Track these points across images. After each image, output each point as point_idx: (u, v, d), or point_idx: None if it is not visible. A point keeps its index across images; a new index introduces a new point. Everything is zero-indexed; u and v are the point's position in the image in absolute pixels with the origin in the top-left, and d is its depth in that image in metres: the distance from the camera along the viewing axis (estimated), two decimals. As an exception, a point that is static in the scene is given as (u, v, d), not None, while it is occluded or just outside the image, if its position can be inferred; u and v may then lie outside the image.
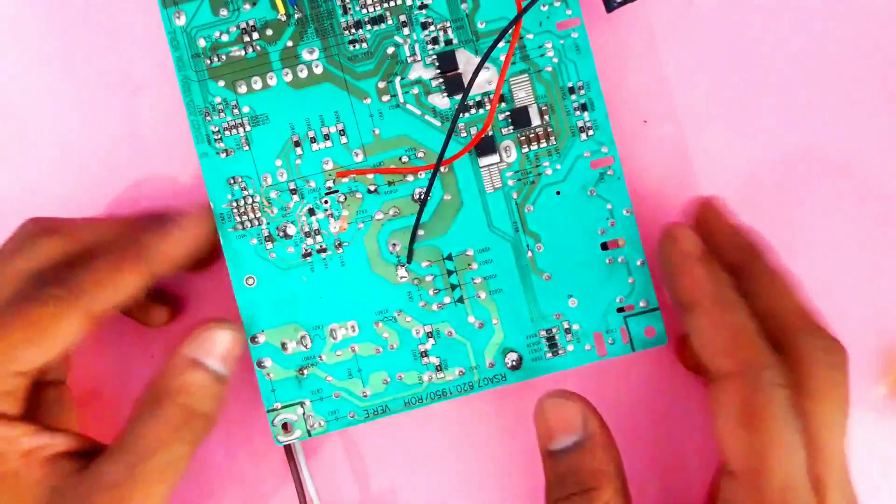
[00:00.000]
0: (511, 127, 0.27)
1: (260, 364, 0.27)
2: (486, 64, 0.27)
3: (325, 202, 0.27)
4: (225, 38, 0.27)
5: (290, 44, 0.27)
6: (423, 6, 0.27)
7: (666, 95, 0.28)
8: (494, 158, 0.27)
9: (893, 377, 0.28)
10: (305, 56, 0.27)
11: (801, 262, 0.26)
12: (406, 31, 0.27)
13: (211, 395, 0.25)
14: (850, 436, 0.23)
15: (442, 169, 0.27)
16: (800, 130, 0.28)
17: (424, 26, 0.27)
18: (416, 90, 0.27)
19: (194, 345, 0.25)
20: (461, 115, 0.27)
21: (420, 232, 0.27)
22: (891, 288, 0.29)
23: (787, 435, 0.22)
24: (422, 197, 0.26)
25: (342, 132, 0.27)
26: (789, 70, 0.28)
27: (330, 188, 0.27)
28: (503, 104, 0.27)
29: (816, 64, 0.28)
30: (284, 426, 0.27)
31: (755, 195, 0.28)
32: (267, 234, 0.27)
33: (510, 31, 0.26)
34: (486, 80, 0.27)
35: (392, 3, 0.27)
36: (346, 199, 0.27)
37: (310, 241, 0.27)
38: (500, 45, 0.26)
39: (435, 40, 0.27)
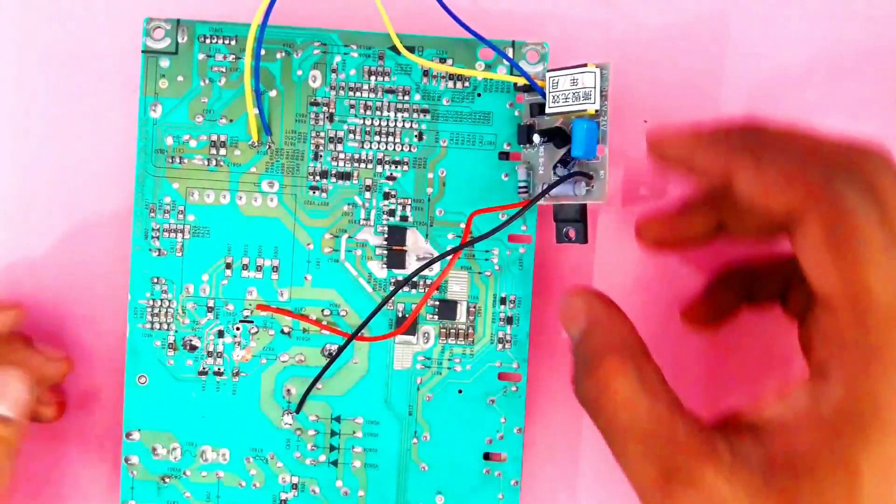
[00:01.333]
0: (436, 315, 0.27)
1: (127, 459, 0.27)
2: (431, 247, 0.27)
3: (237, 329, 0.27)
4: (193, 143, 0.27)
5: (253, 170, 0.27)
6: (391, 177, 0.27)
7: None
8: (412, 339, 0.27)
9: None
10: (265, 186, 0.27)
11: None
12: (368, 194, 0.27)
13: None
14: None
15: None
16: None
17: (386, 196, 0.27)
18: (358, 252, 0.27)
19: None
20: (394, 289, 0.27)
21: (318, 386, 0.27)
22: None
23: (885, 255, 0.20)
24: (331, 355, 0.27)
25: (275, 268, 0.27)
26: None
27: (246, 317, 0.27)
28: (436, 291, 0.27)
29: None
30: (130, 525, 0.27)
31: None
32: (172, 342, 0.27)
33: (474, 235, 0.26)
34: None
35: (362, 166, 0.27)
36: (258, 332, 0.27)
37: (210, 360, 0.27)
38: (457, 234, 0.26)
39: (392, 212, 0.27)
